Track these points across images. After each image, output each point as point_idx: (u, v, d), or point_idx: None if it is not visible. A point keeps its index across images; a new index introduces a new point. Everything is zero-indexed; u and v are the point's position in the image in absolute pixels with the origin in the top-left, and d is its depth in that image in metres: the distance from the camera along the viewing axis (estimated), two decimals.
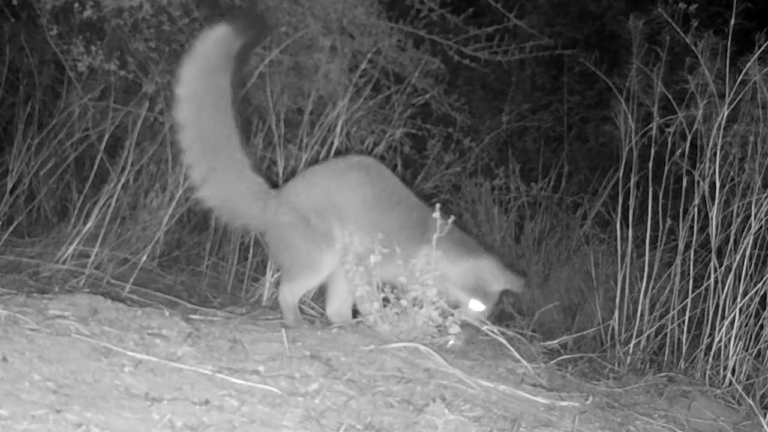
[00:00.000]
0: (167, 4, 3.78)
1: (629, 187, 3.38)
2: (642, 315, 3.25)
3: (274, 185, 2.85)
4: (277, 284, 3.16)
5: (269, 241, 2.77)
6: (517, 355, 2.52)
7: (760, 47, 3.06)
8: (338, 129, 3.48)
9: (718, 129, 3.11)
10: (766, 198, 3.06)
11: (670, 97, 3.27)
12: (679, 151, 3.27)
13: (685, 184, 3.24)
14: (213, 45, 2.61)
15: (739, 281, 3.04)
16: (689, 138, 3.22)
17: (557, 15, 5.68)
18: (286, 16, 4.02)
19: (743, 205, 3.16)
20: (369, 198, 2.66)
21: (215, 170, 2.65)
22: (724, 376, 2.89)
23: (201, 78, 2.60)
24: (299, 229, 2.65)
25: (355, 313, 2.71)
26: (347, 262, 2.58)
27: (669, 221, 3.34)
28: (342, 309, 2.77)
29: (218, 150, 2.64)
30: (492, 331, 2.62)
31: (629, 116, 3.33)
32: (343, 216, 2.63)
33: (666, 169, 3.29)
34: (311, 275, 2.68)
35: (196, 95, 2.60)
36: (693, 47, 3.14)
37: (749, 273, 3.07)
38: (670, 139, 3.31)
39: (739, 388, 2.73)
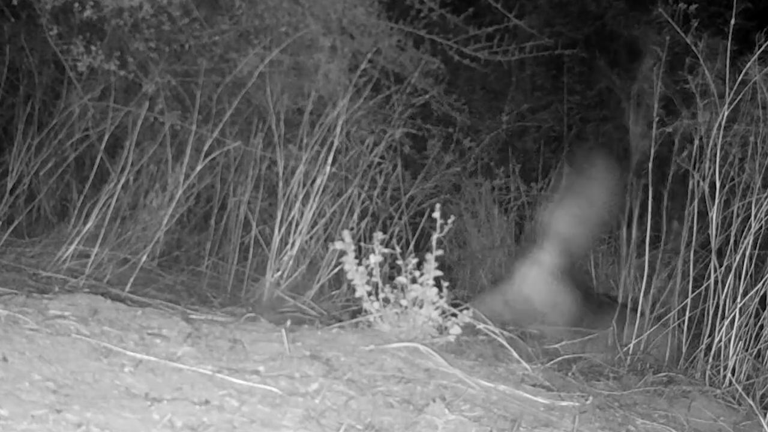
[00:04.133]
0: (167, 4, 3.77)
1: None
2: (642, 315, 3.25)
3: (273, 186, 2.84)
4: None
5: None
6: (516, 356, 2.52)
7: (760, 47, 3.05)
8: (338, 129, 3.48)
9: (718, 129, 3.11)
10: (766, 198, 3.06)
11: (672, 98, 3.27)
12: (685, 153, 3.26)
13: (691, 186, 3.23)
14: None
15: (739, 281, 3.04)
16: (696, 142, 3.21)
17: (557, 15, 5.66)
18: (286, 16, 4.02)
19: (743, 205, 3.15)
20: None
21: None
22: (724, 376, 2.89)
23: None
24: None
25: (355, 312, 2.71)
26: (347, 262, 2.58)
27: (675, 224, 3.33)
28: None
29: None
30: (492, 331, 2.62)
31: (637, 121, 3.32)
32: None
33: (671, 172, 3.29)
34: None
35: None
36: (693, 47, 3.14)
37: (749, 273, 3.06)
38: (677, 141, 3.29)
39: (739, 388, 2.72)
